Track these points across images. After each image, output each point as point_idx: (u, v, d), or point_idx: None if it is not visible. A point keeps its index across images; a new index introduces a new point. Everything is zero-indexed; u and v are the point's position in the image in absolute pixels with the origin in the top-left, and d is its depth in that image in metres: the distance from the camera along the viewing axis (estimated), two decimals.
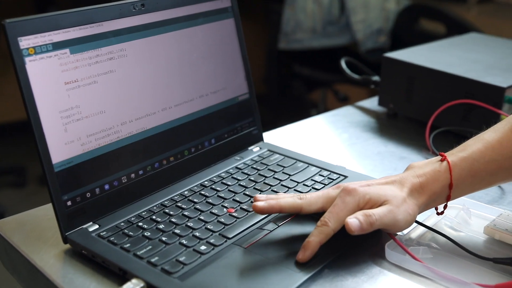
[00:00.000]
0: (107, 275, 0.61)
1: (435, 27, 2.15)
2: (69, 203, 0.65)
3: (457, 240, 0.65)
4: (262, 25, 2.86)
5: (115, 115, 0.69)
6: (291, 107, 2.87)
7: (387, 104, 1.07)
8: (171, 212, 0.69)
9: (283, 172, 0.80)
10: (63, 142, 0.64)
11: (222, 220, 0.68)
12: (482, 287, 0.58)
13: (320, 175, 0.79)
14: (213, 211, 0.69)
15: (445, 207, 0.67)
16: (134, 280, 0.58)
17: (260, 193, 0.74)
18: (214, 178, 0.77)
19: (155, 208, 0.70)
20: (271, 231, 0.66)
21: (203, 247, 0.63)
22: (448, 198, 0.65)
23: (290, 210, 0.66)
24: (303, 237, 0.62)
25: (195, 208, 0.70)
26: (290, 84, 2.74)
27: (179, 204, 0.71)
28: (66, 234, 0.64)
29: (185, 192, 0.74)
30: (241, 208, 0.70)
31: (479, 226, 0.69)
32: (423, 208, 0.65)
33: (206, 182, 0.76)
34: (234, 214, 0.69)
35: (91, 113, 0.67)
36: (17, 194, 2.58)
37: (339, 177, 0.79)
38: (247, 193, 0.74)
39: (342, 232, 0.62)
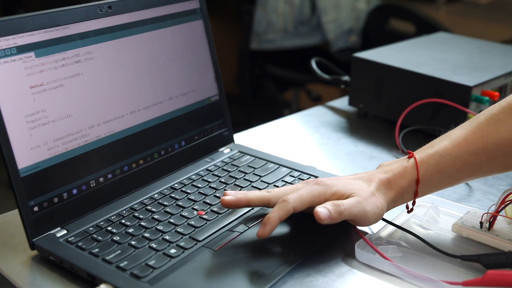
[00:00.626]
0: (75, 281, 0.60)
1: (405, 27, 2.17)
2: (36, 208, 0.64)
3: (425, 238, 0.66)
4: (235, 25, 2.86)
5: (82, 118, 0.69)
6: (264, 107, 2.87)
7: (357, 104, 1.07)
8: (140, 216, 0.68)
9: (253, 174, 0.80)
10: (29, 147, 0.63)
11: (192, 222, 0.67)
12: (450, 284, 0.58)
13: (290, 175, 0.79)
14: (183, 213, 0.69)
15: (413, 203, 0.68)
16: (102, 286, 0.57)
17: None
18: (184, 181, 0.77)
19: (124, 212, 0.69)
20: (241, 233, 0.66)
21: (173, 251, 0.62)
22: (416, 194, 0.66)
23: (258, 203, 0.66)
24: (273, 238, 0.63)
25: (165, 211, 0.70)
26: (263, 84, 2.75)
27: (149, 207, 0.70)
28: (33, 240, 0.63)
29: (155, 195, 0.73)
30: (211, 210, 0.70)
31: (448, 224, 0.70)
32: (391, 203, 0.65)
33: (176, 185, 0.76)
34: (205, 216, 0.69)
35: (57, 117, 0.66)
36: None
37: (309, 177, 0.79)
38: (217, 195, 0.74)
39: (312, 232, 0.62)
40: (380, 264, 0.63)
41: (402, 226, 0.68)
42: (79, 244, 0.63)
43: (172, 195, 0.73)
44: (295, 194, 0.63)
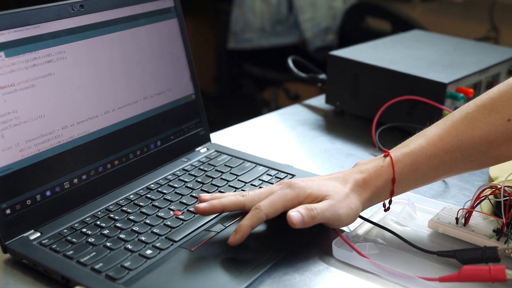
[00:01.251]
0: (49, 284, 0.59)
1: (381, 25, 2.18)
2: (8, 211, 0.62)
3: (402, 235, 0.66)
4: (212, 25, 2.85)
5: (55, 119, 0.67)
6: (243, 106, 2.87)
7: (334, 102, 1.07)
8: (116, 217, 0.67)
9: (230, 173, 0.79)
10: (0, 149, 0.62)
11: (169, 223, 0.67)
12: (427, 280, 0.59)
13: (267, 174, 0.79)
14: (159, 214, 0.68)
15: (390, 202, 0.68)
16: None
17: None
18: (161, 181, 0.76)
19: (99, 213, 0.68)
20: (218, 232, 0.66)
21: (149, 252, 0.62)
22: (392, 193, 0.66)
23: (233, 208, 0.66)
24: (250, 238, 0.62)
25: (141, 212, 0.69)
26: (241, 83, 2.74)
27: (124, 208, 0.69)
28: (6, 243, 0.62)
29: (131, 196, 0.72)
30: (188, 210, 0.70)
31: (424, 220, 0.70)
32: (366, 203, 0.65)
33: (152, 185, 0.75)
34: (181, 216, 0.68)
35: (29, 117, 0.65)
36: None
37: (286, 176, 0.79)
38: (194, 195, 0.73)
39: (289, 230, 0.62)
40: (357, 261, 0.63)
41: (379, 223, 0.68)
42: (53, 246, 0.62)
43: (148, 195, 0.72)
44: (267, 201, 0.62)
